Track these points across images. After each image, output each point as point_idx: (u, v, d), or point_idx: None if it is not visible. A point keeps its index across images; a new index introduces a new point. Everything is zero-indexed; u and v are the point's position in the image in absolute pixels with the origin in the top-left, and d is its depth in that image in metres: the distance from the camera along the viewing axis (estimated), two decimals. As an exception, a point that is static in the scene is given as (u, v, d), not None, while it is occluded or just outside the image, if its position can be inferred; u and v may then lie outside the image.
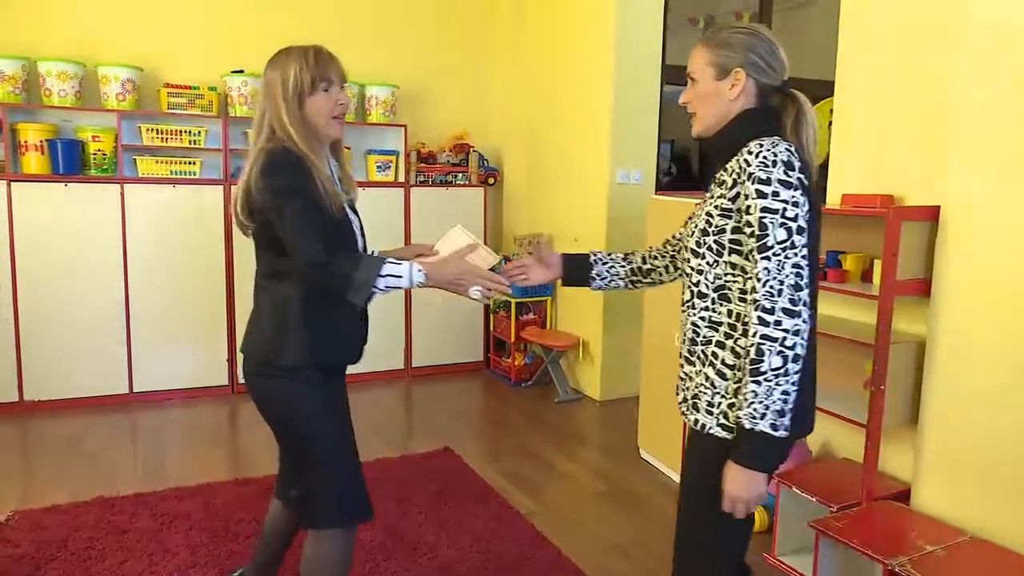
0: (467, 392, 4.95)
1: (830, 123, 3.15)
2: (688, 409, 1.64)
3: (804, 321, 1.44)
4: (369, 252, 2.03)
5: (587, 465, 3.68)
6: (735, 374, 1.55)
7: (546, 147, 5.14)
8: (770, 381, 1.43)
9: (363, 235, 2.00)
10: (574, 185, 4.84)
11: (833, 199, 2.96)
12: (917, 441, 2.55)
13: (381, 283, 1.75)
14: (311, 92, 1.83)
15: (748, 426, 1.45)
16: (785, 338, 1.43)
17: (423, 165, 5.15)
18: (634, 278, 1.92)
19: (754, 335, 1.45)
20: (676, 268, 1.88)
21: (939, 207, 2.46)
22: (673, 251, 1.89)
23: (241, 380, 4.56)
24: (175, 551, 2.75)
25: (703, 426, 1.59)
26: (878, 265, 2.61)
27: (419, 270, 1.78)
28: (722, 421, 1.56)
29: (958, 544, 2.29)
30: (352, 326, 1.96)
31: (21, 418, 4.19)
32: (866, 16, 2.84)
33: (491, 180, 5.40)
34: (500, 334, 5.25)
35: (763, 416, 1.44)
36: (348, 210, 1.93)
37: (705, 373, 1.59)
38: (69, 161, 4.22)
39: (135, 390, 4.49)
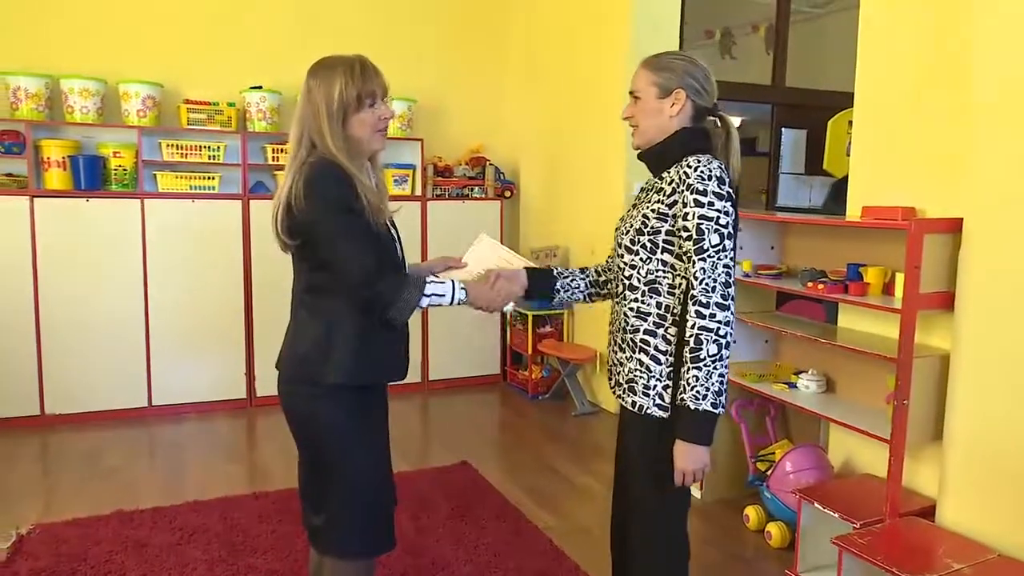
0: (484, 405, 4.95)
1: (849, 135, 3.14)
2: (624, 392, 1.82)
3: (732, 313, 1.68)
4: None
5: (605, 479, 3.66)
6: (668, 359, 1.75)
7: (562, 160, 5.14)
8: (709, 366, 1.65)
9: (402, 248, 1.98)
10: (590, 198, 4.84)
11: (853, 211, 2.94)
12: (942, 456, 2.51)
13: (425, 301, 1.79)
14: (356, 109, 1.79)
15: (692, 407, 1.66)
16: (719, 328, 1.65)
17: (440, 179, 5.17)
18: (591, 290, 2.06)
19: (692, 327, 1.66)
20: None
21: (962, 219, 2.43)
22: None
23: (259, 394, 4.67)
24: (194, 565, 2.75)
25: (640, 407, 1.78)
26: (900, 278, 2.58)
27: (461, 288, 1.83)
28: (658, 402, 1.76)
29: (986, 562, 2.25)
30: (399, 339, 1.92)
31: (42, 431, 4.23)
32: (885, 26, 2.83)
33: (507, 193, 5.41)
34: (517, 347, 5.25)
35: (704, 397, 1.65)
36: (387, 222, 1.90)
37: (639, 359, 1.78)
38: (90, 177, 4.28)
39: (154, 403, 4.52)
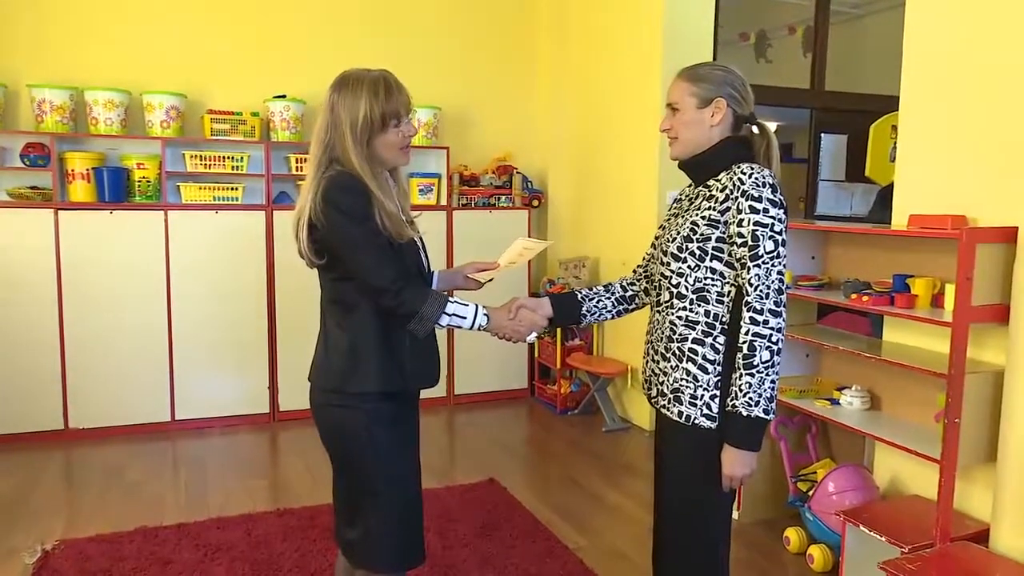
0: (512, 420, 4.93)
1: (893, 140, 3.09)
2: (669, 402, 1.83)
3: (784, 320, 1.71)
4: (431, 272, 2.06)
5: (637, 498, 3.62)
6: (716, 368, 1.77)
7: (592, 168, 5.13)
8: (761, 373, 1.68)
9: (426, 255, 2.00)
10: (622, 207, 4.82)
11: (899, 220, 2.89)
12: (996, 478, 2.45)
13: (445, 320, 1.81)
14: (381, 130, 1.81)
15: (745, 413, 1.69)
16: (772, 335, 1.68)
17: (466, 188, 5.19)
18: (620, 307, 2.08)
19: (746, 333, 1.69)
20: (653, 288, 2.00)
21: (1016, 228, 2.38)
22: (645, 274, 2.07)
23: (282, 408, 4.70)
24: (217, 585, 2.77)
25: (688, 417, 1.79)
26: (950, 290, 2.53)
27: (484, 314, 1.85)
28: (706, 412, 1.77)
29: (1045, 591, 2.19)
30: (428, 346, 1.94)
31: (66, 446, 4.30)
32: (933, 24, 2.79)
33: (535, 203, 5.41)
34: (545, 360, 5.23)
35: (757, 403, 1.69)
36: (414, 229, 1.92)
37: (686, 368, 1.79)
38: (114, 188, 4.36)
39: (177, 418, 4.57)
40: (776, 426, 3.21)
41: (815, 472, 3.11)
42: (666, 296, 1.85)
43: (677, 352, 1.81)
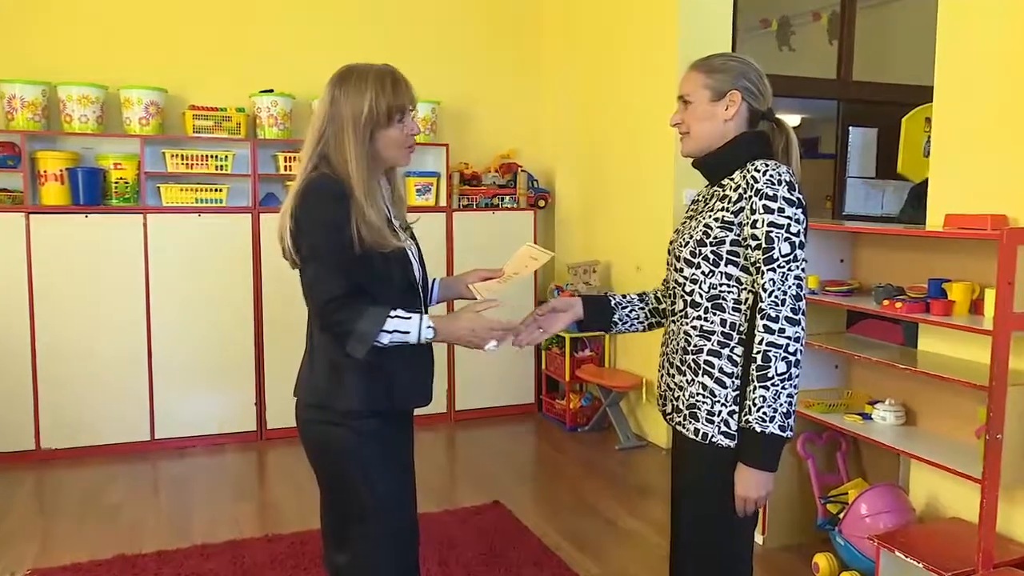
0: (517, 438, 4.93)
1: (927, 133, 3.09)
2: (685, 419, 1.83)
3: (803, 329, 1.70)
4: (430, 280, 2.08)
5: (653, 521, 3.62)
6: (734, 382, 1.76)
7: (603, 165, 5.14)
8: (777, 386, 1.68)
9: (422, 263, 2.01)
10: (635, 207, 4.82)
11: (934, 220, 2.90)
12: (1042, 498, 2.44)
13: (385, 338, 1.80)
14: (385, 125, 1.85)
15: (759, 429, 1.69)
16: (788, 344, 1.68)
17: (467, 187, 5.19)
18: (652, 319, 2.09)
19: (760, 342, 1.69)
20: (668, 297, 1.99)
21: (1061, 228, 2.37)
22: None
23: (270, 425, 4.70)
24: (201, 617, 2.77)
25: (705, 435, 1.79)
26: (990, 295, 2.53)
27: (429, 326, 1.83)
28: (724, 429, 1.77)
29: (1097, 621, 2.17)
30: (421, 362, 1.95)
31: (38, 467, 4.30)
32: (969, 8, 2.79)
33: (542, 203, 5.41)
34: (553, 373, 5.22)
35: (772, 419, 1.68)
36: (403, 238, 1.93)
37: (701, 383, 1.79)
38: (90, 191, 4.37)
39: (157, 437, 4.57)
40: (803, 443, 3.21)
41: (846, 493, 3.09)
42: (680, 305, 1.86)
43: (692, 365, 1.81)
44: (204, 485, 4.08)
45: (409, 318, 1.82)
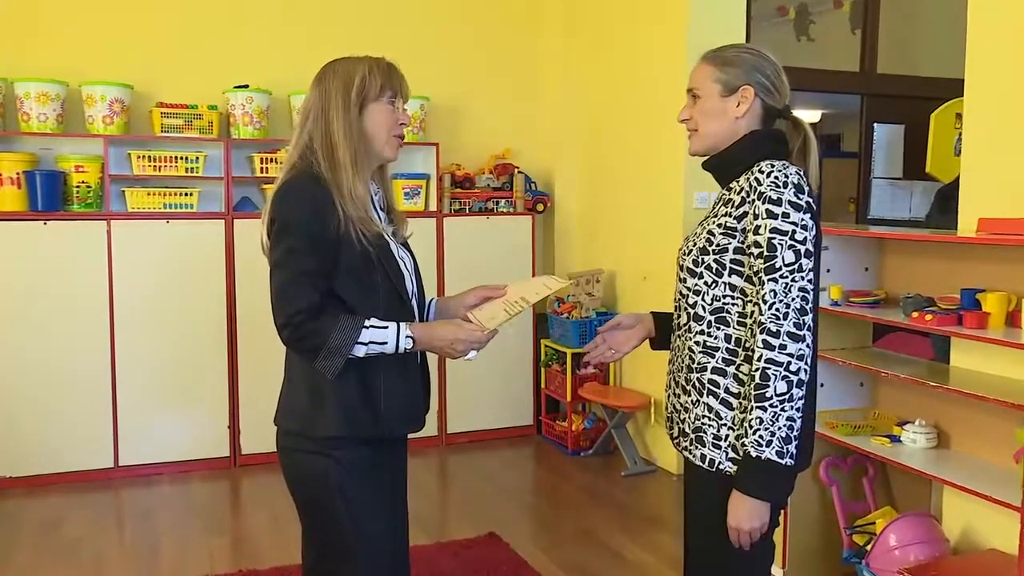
0: (515, 463, 4.92)
1: (958, 130, 3.09)
2: (691, 444, 1.83)
3: (808, 346, 1.69)
4: (427, 297, 2.10)
5: (664, 554, 3.61)
6: (741, 403, 1.76)
7: (607, 166, 5.15)
8: (775, 407, 1.66)
9: (416, 275, 2.01)
10: (642, 211, 4.82)
11: (967, 225, 2.89)
12: (1087, 528, 2.42)
13: (360, 350, 1.79)
14: (377, 98, 1.88)
15: (754, 454, 1.68)
16: (790, 363, 1.66)
17: (459, 190, 5.20)
18: None
19: (759, 359, 1.68)
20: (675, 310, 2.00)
21: (1104, 233, 2.37)
22: None
23: (244, 451, 4.69)
24: (168, 662, 2.75)
25: (711, 462, 1.79)
26: (1028, 306, 2.52)
27: (407, 336, 1.82)
28: (731, 455, 1.77)
29: None
30: (410, 384, 1.94)
31: (-10, 498, 4.29)
32: (1001, -2, 2.80)
33: (540, 207, 5.42)
34: (553, 392, 5.21)
35: (768, 443, 1.67)
36: (395, 247, 1.93)
37: (707, 404, 1.80)
38: (49, 196, 4.36)
39: (121, 463, 4.56)
40: (827, 468, 3.20)
41: (873, 523, 3.08)
42: (684, 318, 1.86)
43: (697, 384, 1.81)
44: (173, 516, 4.06)
45: (386, 327, 1.81)
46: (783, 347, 1.66)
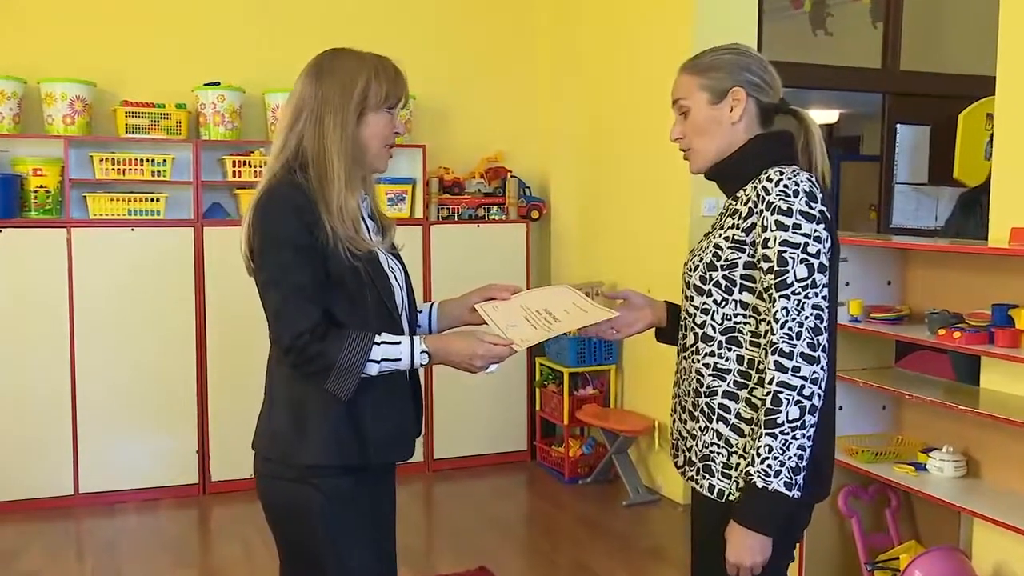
0: (506, 492, 4.93)
1: (988, 132, 3.08)
2: (698, 473, 1.83)
3: (823, 368, 1.68)
4: (428, 303, 2.12)
5: (670, 593, 3.59)
6: (753, 430, 1.74)
7: (607, 170, 5.14)
8: (787, 434, 1.66)
9: (407, 286, 2.02)
10: (645, 219, 4.81)
11: (998, 234, 2.89)
12: None
13: (373, 368, 1.79)
14: (377, 109, 1.87)
15: (760, 484, 1.67)
16: (803, 386, 1.66)
17: (447, 196, 5.19)
18: None
19: (771, 382, 1.67)
20: (680, 329, 1.98)
21: None
22: None
23: (214, 477, 4.65)
24: None
25: (720, 492, 1.79)
26: (1065, 323, 2.50)
27: (423, 351, 1.83)
28: (742, 485, 1.74)
29: None
30: (399, 409, 1.93)
31: (-63, 529, 4.25)
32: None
33: (535, 214, 5.41)
34: (549, 415, 5.20)
35: (777, 474, 1.66)
36: (384, 258, 1.94)
37: (716, 430, 1.79)
38: (4, 201, 4.35)
39: (81, 490, 4.54)
40: (846, 499, 3.19)
41: (897, 558, 3.07)
42: (691, 339, 1.85)
43: (706, 409, 1.81)
44: (137, 548, 4.06)
45: (398, 342, 1.82)
46: (796, 369, 1.65)
